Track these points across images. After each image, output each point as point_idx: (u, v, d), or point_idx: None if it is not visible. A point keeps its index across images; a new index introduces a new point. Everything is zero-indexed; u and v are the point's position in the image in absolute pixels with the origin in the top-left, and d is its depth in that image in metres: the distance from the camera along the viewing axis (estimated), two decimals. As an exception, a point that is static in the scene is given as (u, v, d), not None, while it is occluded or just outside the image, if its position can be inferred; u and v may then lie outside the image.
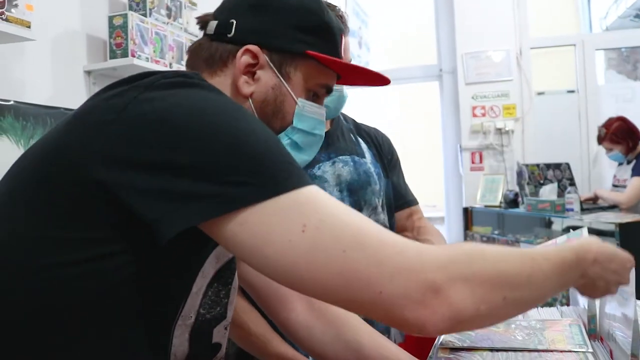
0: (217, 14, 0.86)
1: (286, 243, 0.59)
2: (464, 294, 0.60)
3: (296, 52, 0.83)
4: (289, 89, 0.84)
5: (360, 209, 1.35)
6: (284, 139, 0.87)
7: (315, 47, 0.84)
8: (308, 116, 0.87)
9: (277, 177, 0.62)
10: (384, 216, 1.43)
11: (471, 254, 0.64)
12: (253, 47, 0.81)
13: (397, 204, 1.51)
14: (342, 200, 1.31)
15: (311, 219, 0.60)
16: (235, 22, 0.83)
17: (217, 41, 0.84)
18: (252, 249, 0.61)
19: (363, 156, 1.41)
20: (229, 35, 0.82)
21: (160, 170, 0.61)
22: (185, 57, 2.56)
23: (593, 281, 0.77)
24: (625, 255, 0.83)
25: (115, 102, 0.66)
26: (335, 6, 1.28)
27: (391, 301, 0.59)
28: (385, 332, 1.33)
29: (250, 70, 0.82)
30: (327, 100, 1.24)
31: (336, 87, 1.24)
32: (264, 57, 0.82)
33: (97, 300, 0.65)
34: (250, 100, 0.83)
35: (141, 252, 0.65)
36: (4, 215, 0.68)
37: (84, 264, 0.64)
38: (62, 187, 0.64)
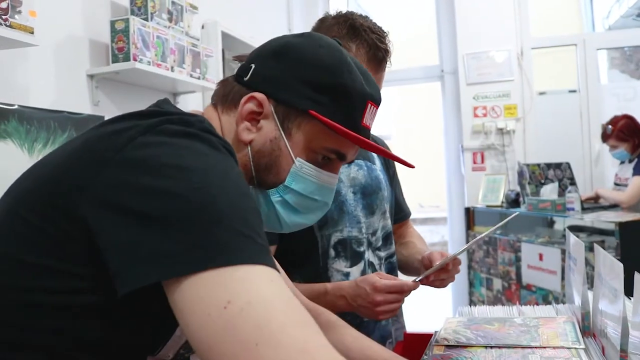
0: (250, 57, 0.86)
1: (205, 316, 0.55)
2: None
3: (301, 108, 0.80)
4: (287, 145, 0.81)
5: (372, 213, 1.38)
6: (274, 195, 0.84)
7: (325, 108, 0.80)
8: (306, 178, 0.83)
9: (229, 247, 0.58)
10: (390, 222, 1.47)
11: None
12: (259, 95, 0.80)
13: (396, 217, 1.54)
14: (355, 202, 1.34)
15: (240, 298, 0.55)
16: (253, 66, 0.82)
17: (237, 81, 0.84)
18: (181, 314, 0.58)
19: (374, 162, 1.45)
20: (245, 79, 0.82)
21: (129, 217, 0.60)
22: (187, 60, 2.56)
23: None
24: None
25: (115, 141, 0.66)
26: (385, 34, 1.30)
27: None
28: (381, 340, 1.36)
29: (255, 118, 0.81)
30: None
31: None
32: (269, 107, 0.80)
33: (67, 328, 0.65)
34: (249, 147, 0.82)
35: (116, 296, 0.63)
36: (1, 234, 0.68)
37: (62, 293, 0.64)
38: (52, 217, 0.64)
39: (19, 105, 1.80)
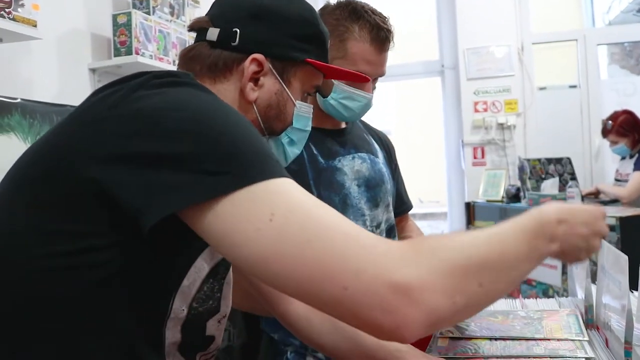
0: (214, 21, 0.88)
1: (254, 232, 0.60)
2: (435, 290, 0.58)
3: (297, 59, 0.90)
4: (289, 93, 0.91)
5: (376, 206, 1.38)
6: (284, 138, 0.94)
7: (312, 54, 0.91)
8: (303, 116, 0.94)
9: (251, 167, 0.63)
10: (393, 215, 1.47)
11: (437, 246, 0.63)
12: (259, 56, 0.86)
13: (398, 210, 1.54)
14: (359, 195, 1.34)
15: (280, 208, 0.61)
16: (238, 31, 0.86)
17: (219, 48, 0.86)
18: (224, 237, 0.62)
19: (377, 156, 1.45)
20: (233, 44, 0.86)
21: (142, 162, 0.63)
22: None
23: (567, 242, 0.73)
24: (591, 207, 0.80)
25: (107, 101, 0.70)
26: (386, 18, 1.33)
27: (357, 299, 0.57)
28: None
29: (255, 77, 0.87)
30: (355, 105, 1.31)
31: (366, 94, 1.30)
32: (268, 65, 0.87)
33: (88, 292, 0.67)
34: (254, 105, 0.88)
35: (130, 247, 0.67)
36: (6, 210, 0.71)
37: (74, 255, 0.66)
38: (57, 184, 0.67)
39: (21, 99, 1.80)
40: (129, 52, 2.10)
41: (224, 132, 0.66)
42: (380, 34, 1.29)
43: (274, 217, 0.60)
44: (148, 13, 2.21)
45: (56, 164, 0.68)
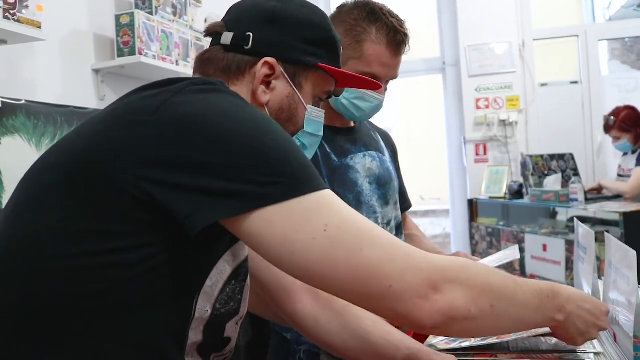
0: (229, 26, 0.91)
1: (310, 240, 0.66)
2: (457, 294, 0.70)
3: (308, 64, 0.91)
4: (300, 97, 0.92)
5: (387, 203, 1.40)
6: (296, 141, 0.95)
7: (323, 59, 0.93)
8: (314, 120, 0.96)
9: (299, 179, 0.68)
10: (400, 213, 1.48)
11: (465, 264, 0.75)
12: (271, 60, 0.88)
13: (401, 208, 1.55)
14: (371, 193, 1.36)
15: (332, 219, 0.68)
16: (252, 35, 0.88)
17: (233, 52, 0.89)
18: (278, 245, 0.67)
19: (384, 154, 1.47)
20: (246, 47, 0.88)
21: (192, 169, 0.66)
22: (192, 56, 2.57)
23: (571, 321, 0.83)
24: (599, 302, 0.90)
25: (148, 104, 0.71)
26: (403, 21, 1.34)
27: (399, 294, 0.68)
28: None
29: (266, 80, 0.89)
30: (366, 106, 1.32)
31: (378, 96, 1.32)
32: (279, 69, 0.89)
33: (116, 291, 0.68)
34: (266, 107, 0.89)
35: (162, 248, 0.70)
36: (36, 207, 0.72)
37: (104, 255, 0.67)
38: (94, 183, 0.68)
39: (26, 101, 1.81)
40: (132, 53, 2.10)
41: (270, 142, 0.69)
42: (397, 37, 1.30)
43: (328, 227, 0.67)
44: (151, 13, 2.21)
45: (92, 163, 0.69)
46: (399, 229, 1.45)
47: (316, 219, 0.67)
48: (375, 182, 1.37)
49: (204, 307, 0.79)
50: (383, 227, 1.35)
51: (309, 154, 0.99)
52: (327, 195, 0.70)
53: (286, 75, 0.90)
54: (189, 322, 0.77)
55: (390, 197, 1.41)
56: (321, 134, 0.99)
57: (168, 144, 0.67)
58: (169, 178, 0.66)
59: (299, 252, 0.67)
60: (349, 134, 1.40)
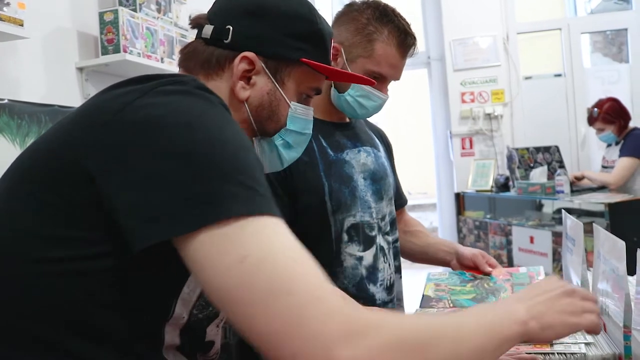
0: (211, 18, 0.88)
1: (224, 270, 0.58)
2: None
3: (291, 59, 0.87)
4: (283, 93, 0.88)
5: (381, 199, 1.40)
6: (278, 140, 0.91)
7: (308, 54, 0.88)
8: (299, 117, 0.92)
9: (237, 200, 0.61)
10: (394, 209, 1.49)
11: (389, 324, 0.60)
12: (250, 54, 0.84)
13: (396, 204, 1.56)
14: (366, 188, 1.36)
15: (255, 251, 0.58)
16: (231, 28, 0.85)
17: (213, 45, 0.86)
18: (197, 270, 0.61)
19: (378, 150, 1.47)
20: (225, 41, 0.85)
21: (137, 180, 0.62)
22: (177, 53, 2.55)
23: (542, 314, 0.71)
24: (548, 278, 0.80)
25: (113, 104, 0.68)
26: (409, 25, 1.36)
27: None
28: None
29: (246, 76, 0.85)
30: (369, 104, 1.33)
31: (382, 95, 1.34)
32: (260, 64, 0.85)
33: (82, 296, 0.66)
34: (245, 104, 0.86)
35: (126, 257, 0.65)
36: (7, 210, 0.69)
37: (73, 261, 0.65)
38: (58, 186, 0.66)
39: (9, 100, 1.78)
40: (116, 50, 2.08)
41: (220, 158, 0.63)
42: (407, 39, 1.33)
43: (246, 259, 0.58)
44: (135, 10, 2.19)
45: (56, 165, 0.67)
46: (393, 224, 1.46)
47: (237, 248, 0.58)
48: (369, 178, 1.38)
49: (180, 313, 0.77)
50: (377, 222, 1.37)
51: (296, 153, 0.96)
52: (264, 223, 0.61)
53: (267, 71, 0.86)
54: (162, 324, 0.75)
55: (385, 193, 1.42)
56: (309, 131, 0.96)
57: (122, 148, 0.63)
58: (115, 184, 0.62)
59: (211, 280, 0.59)
60: (345, 129, 1.40)
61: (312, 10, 0.90)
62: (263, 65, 0.85)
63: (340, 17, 1.37)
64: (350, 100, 1.32)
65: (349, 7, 1.37)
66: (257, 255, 0.58)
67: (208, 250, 0.59)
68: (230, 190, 0.61)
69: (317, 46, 0.90)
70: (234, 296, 0.58)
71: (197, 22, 0.89)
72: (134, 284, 0.68)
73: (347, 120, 1.43)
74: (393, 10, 1.34)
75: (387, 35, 1.31)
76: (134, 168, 0.62)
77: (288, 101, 0.89)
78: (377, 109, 1.37)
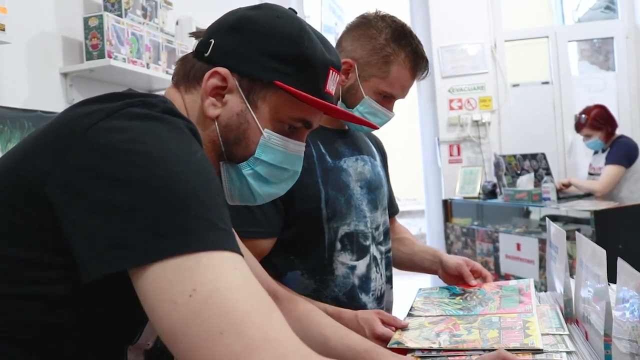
0: (206, 31, 0.86)
1: (171, 304, 0.56)
2: None
3: (265, 80, 0.81)
4: (255, 117, 0.81)
5: (376, 208, 1.40)
6: (246, 169, 0.84)
7: (289, 78, 0.81)
8: (275, 149, 0.84)
9: (189, 235, 0.58)
10: (388, 218, 1.49)
11: None
12: (222, 70, 0.80)
13: (389, 212, 1.56)
14: (361, 197, 1.36)
15: (204, 286, 0.56)
16: (213, 41, 0.82)
17: (196, 58, 0.84)
18: (146, 303, 0.58)
19: (375, 159, 1.48)
20: (205, 55, 0.82)
21: (91, 205, 0.59)
22: (163, 57, 2.53)
23: None
24: None
25: (78, 124, 0.65)
26: (422, 47, 1.35)
27: None
28: None
29: (220, 93, 0.81)
30: (376, 121, 1.32)
31: (389, 114, 1.35)
32: (233, 81, 0.80)
33: (45, 319, 0.64)
34: (216, 123, 0.81)
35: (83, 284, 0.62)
36: None
37: (33, 284, 0.63)
38: (18, 206, 0.63)
39: (-9, 105, 1.76)
40: (101, 56, 2.06)
41: (178, 190, 0.60)
42: (421, 63, 1.34)
43: (195, 293, 0.55)
44: (120, 15, 2.17)
45: (18, 183, 0.64)
46: (387, 234, 1.46)
47: (186, 282, 0.56)
48: (365, 187, 1.37)
49: (145, 341, 0.75)
50: (371, 232, 1.36)
51: (276, 188, 0.88)
52: (218, 258, 0.58)
53: (240, 90, 0.81)
54: (125, 346, 0.73)
55: (380, 202, 1.42)
56: (292, 168, 0.88)
57: (80, 173, 0.61)
58: (71, 214, 0.60)
59: (157, 314, 0.57)
60: (344, 137, 1.40)
61: (302, 32, 0.83)
62: (237, 83, 0.80)
63: (355, 30, 1.36)
64: (358, 115, 1.30)
65: (364, 20, 1.36)
66: (206, 290, 0.56)
67: (158, 282, 0.57)
68: (187, 224, 0.59)
69: (301, 71, 0.82)
70: (178, 332, 0.55)
71: (195, 34, 0.88)
72: (93, 310, 0.66)
73: (346, 128, 1.43)
74: (410, 32, 1.34)
75: (404, 58, 1.32)
76: (88, 195, 0.60)
77: (260, 127, 0.82)
78: (381, 125, 1.36)
